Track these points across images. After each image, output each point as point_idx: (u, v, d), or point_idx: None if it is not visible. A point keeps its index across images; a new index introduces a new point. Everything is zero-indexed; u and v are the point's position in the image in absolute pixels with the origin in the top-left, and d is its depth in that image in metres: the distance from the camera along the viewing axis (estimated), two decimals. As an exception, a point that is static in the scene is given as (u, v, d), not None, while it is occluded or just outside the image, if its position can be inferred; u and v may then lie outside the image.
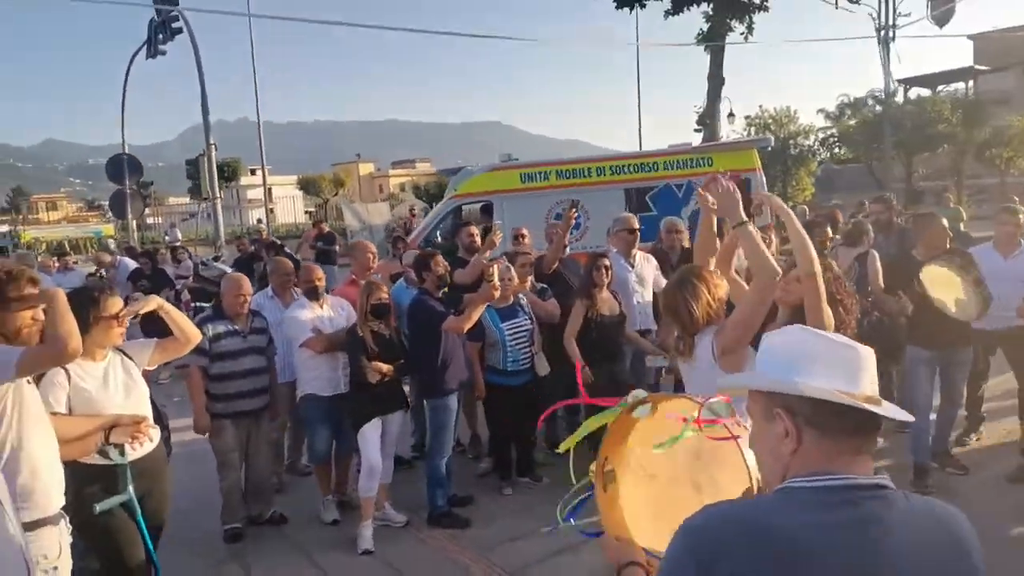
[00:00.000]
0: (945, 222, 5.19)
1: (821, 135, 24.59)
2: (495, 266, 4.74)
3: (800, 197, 21.47)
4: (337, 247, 13.71)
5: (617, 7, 20.51)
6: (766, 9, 20.30)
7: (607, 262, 5.27)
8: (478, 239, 6.17)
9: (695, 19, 20.82)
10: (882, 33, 13.92)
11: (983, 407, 5.82)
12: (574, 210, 5.61)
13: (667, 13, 20.78)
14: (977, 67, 32.35)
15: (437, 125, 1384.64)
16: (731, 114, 23.42)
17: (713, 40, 20.00)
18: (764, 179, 9.93)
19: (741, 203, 2.81)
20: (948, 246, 4.94)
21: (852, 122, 23.86)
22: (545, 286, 5.66)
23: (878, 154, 20.41)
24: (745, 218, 2.79)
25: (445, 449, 4.84)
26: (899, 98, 25.09)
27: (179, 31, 16.19)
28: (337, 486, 5.16)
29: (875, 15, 13.92)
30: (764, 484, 1.41)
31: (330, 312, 5.03)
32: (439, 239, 9.81)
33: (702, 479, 1.76)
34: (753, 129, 23.26)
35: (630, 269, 5.77)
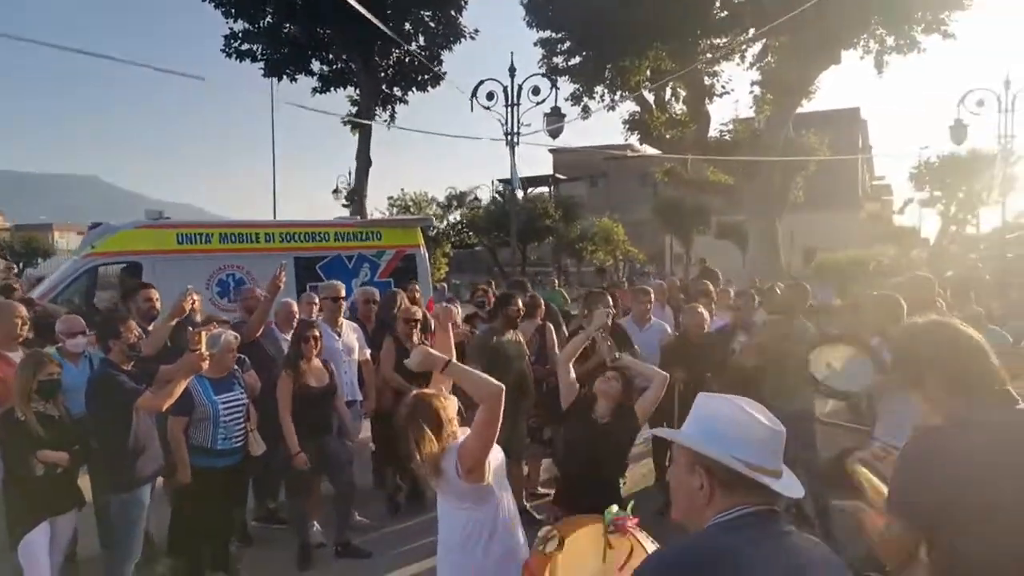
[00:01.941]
0: (607, 295, 6.19)
1: (453, 219, 27.15)
2: (202, 333, 4.25)
3: (437, 276, 23.38)
4: None
5: (265, 75, 20.16)
6: (406, 102, 22.11)
7: (317, 332, 5.09)
8: (158, 304, 5.42)
9: (342, 101, 21.65)
10: (508, 137, 16.02)
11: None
12: (283, 272, 5.31)
13: (315, 90, 21.14)
14: (557, 176, 39.40)
15: (12, 173, 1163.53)
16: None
17: (358, 123, 20.85)
18: (427, 255, 10.60)
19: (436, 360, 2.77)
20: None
21: (471, 212, 26.84)
22: (243, 356, 5.21)
23: (500, 241, 23.31)
24: (449, 358, 2.83)
25: (134, 552, 4.07)
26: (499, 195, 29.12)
27: None
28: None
29: (503, 121, 15.95)
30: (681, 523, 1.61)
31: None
32: (59, 303, 8.29)
33: None
34: (396, 210, 24.59)
35: (337, 338, 5.64)
